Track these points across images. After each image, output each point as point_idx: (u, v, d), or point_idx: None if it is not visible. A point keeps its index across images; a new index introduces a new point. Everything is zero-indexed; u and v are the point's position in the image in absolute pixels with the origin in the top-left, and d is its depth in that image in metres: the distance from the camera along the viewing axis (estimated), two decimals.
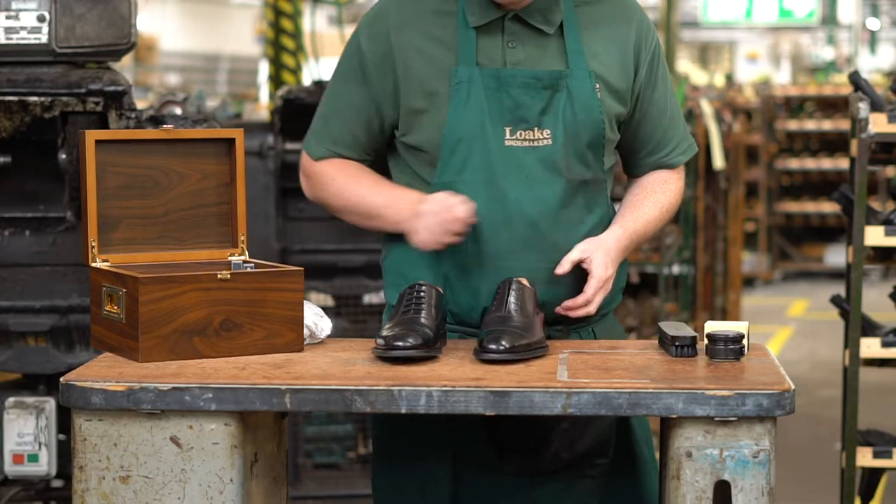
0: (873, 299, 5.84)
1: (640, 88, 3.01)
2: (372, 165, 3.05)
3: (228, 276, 2.79)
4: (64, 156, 3.91)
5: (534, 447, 2.94)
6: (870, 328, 4.31)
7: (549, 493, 2.96)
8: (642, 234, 3.02)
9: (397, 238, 3.00)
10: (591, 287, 2.89)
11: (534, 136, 2.93)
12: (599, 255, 2.91)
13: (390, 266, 3.06)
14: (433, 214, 2.88)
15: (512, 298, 2.81)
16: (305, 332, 2.87)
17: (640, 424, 3.04)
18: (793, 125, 13.90)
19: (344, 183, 3.01)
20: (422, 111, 2.94)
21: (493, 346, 2.71)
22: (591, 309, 2.91)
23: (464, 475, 2.97)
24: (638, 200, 3.05)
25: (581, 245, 2.91)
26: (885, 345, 4.27)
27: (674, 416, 2.54)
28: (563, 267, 2.89)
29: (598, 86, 2.94)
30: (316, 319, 2.90)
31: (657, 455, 3.06)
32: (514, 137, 2.93)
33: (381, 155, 3.06)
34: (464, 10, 2.94)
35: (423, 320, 2.77)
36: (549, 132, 2.93)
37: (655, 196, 3.07)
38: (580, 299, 2.89)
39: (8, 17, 3.89)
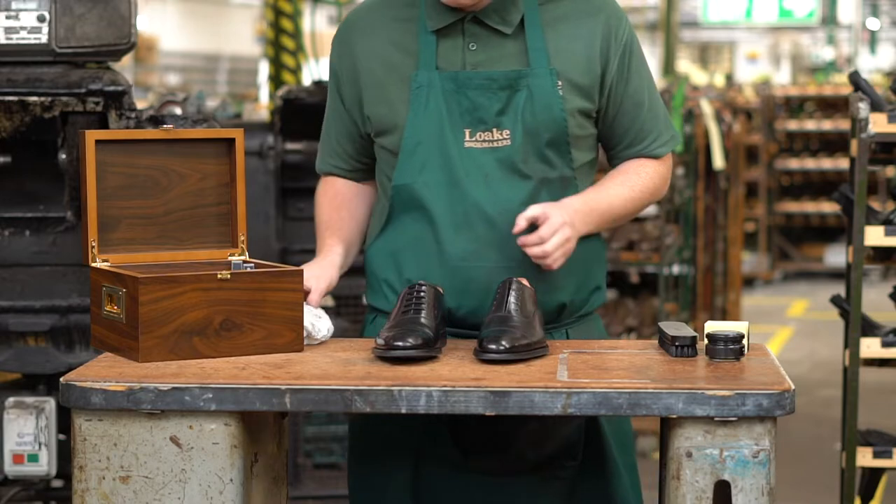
0: (873, 299, 5.84)
1: (613, 82, 2.99)
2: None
3: (228, 276, 2.79)
4: (64, 156, 3.91)
5: (499, 446, 2.94)
6: (870, 328, 4.31)
7: (516, 494, 2.96)
8: (606, 209, 2.98)
9: (375, 238, 3.04)
10: (544, 229, 2.83)
11: (492, 136, 2.94)
12: (556, 210, 2.86)
13: (367, 265, 3.11)
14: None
15: (512, 298, 2.81)
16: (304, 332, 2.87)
17: (613, 428, 3.02)
18: (793, 125, 13.90)
19: (318, 202, 3.16)
20: (385, 117, 2.98)
21: (493, 346, 2.71)
22: (549, 257, 2.84)
23: (429, 474, 2.97)
24: (606, 179, 3.04)
25: (538, 205, 2.87)
26: (885, 345, 4.27)
27: (674, 416, 2.54)
28: (519, 225, 2.85)
29: (559, 83, 2.94)
30: (314, 320, 2.90)
31: (635, 459, 3.07)
32: (473, 139, 2.94)
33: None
34: (424, 14, 2.96)
35: (423, 320, 2.77)
36: (507, 132, 2.94)
37: (626, 176, 3.04)
38: (533, 236, 2.84)
39: (8, 17, 3.89)
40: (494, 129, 2.94)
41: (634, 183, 3.03)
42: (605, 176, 3.08)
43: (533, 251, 2.84)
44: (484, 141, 2.94)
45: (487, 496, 2.96)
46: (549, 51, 2.95)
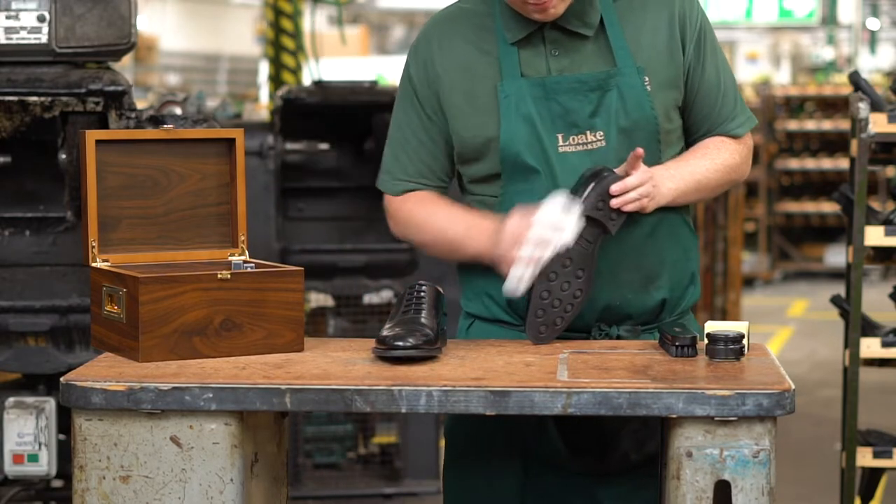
0: (873, 299, 5.84)
1: (690, 68, 2.98)
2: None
3: (228, 276, 2.79)
4: (64, 156, 3.91)
5: (603, 447, 2.94)
6: (870, 328, 4.31)
7: (617, 494, 2.97)
8: (689, 179, 2.95)
9: None
10: (635, 176, 2.83)
11: (587, 139, 2.92)
12: (644, 167, 2.87)
13: (463, 278, 3.07)
14: (505, 230, 2.84)
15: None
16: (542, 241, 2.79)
17: None
18: (793, 125, 13.90)
19: (423, 217, 3.01)
20: (475, 129, 2.94)
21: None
22: (633, 199, 2.84)
23: (533, 472, 2.97)
24: (688, 154, 3.01)
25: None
26: (885, 345, 4.27)
27: (674, 415, 2.54)
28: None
29: (647, 79, 2.92)
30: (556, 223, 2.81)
31: None
32: (567, 143, 2.92)
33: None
34: (501, 27, 2.95)
35: (423, 320, 2.77)
36: (601, 134, 2.92)
37: (707, 150, 3.01)
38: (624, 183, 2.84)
39: (8, 17, 3.89)
40: (588, 132, 2.92)
41: (715, 156, 3.00)
42: (688, 150, 3.04)
43: (624, 200, 2.84)
44: (578, 144, 2.92)
45: (587, 495, 2.96)
46: (632, 47, 2.94)
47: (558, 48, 2.94)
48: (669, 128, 2.98)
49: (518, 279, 2.81)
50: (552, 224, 2.80)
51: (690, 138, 3.06)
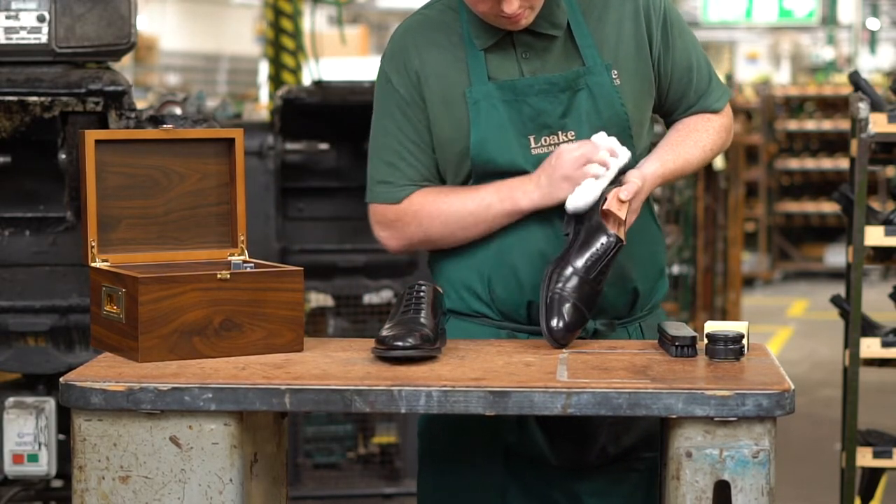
0: (873, 299, 5.84)
1: (660, 54, 3.00)
2: None
3: (228, 276, 2.79)
4: (64, 156, 3.91)
5: (581, 442, 2.95)
6: (870, 328, 4.31)
7: (597, 486, 2.97)
8: (679, 173, 3.02)
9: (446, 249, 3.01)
10: (627, 188, 2.86)
11: (558, 140, 2.93)
12: (635, 172, 2.90)
13: (438, 271, 3.06)
14: (568, 153, 2.86)
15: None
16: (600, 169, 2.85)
17: None
18: (793, 125, 13.91)
19: (434, 205, 2.96)
20: (452, 137, 2.94)
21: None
22: (623, 208, 2.85)
23: (514, 468, 2.97)
24: (680, 138, 3.04)
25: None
26: (885, 345, 4.27)
27: (674, 416, 2.54)
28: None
29: (615, 73, 2.94)
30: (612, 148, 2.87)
31: None
32: (538, 145, 2.93)
33: None
34: (470, 34, 2.95)
35: (422, 320, 2.77)
36: (573, 134, 2.93)
37: (697, 135, 3.05)
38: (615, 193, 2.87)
39: (8, 17, 3.89)
40: (560, 132, 2.93)
41: (705, 143, 3.04)
42: (674, 128, 3.07)
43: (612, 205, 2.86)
44: (550, 145, 2.92)
45: (567, 488, 2.97)
46: (597, 43, 2.95)
47: (528, 51, 2.95)
48: (641, 119, 3.00)
49: (588, 192, 2.83)
50: (610, 147, 2.86)
51: (672, 116, 3.09)
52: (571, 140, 2.92)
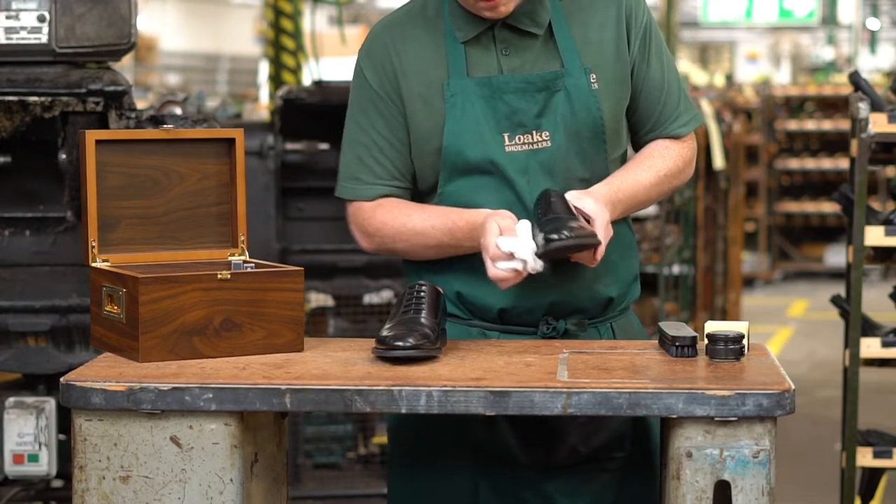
0: (873, 299, 5.84)
1: (635, 66, 3.00)
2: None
3: (228, 276, 2.79)
4: (64, 156, 3.91)
5: (551, 442, 2.95)
6: (870, 328, 4.31)
7: (566, 486, 2.97)
8: (632, 195, 2.97)
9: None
10: (597, 227, 2.82)
11: (532, 139, 2.93)
12: (589, 199, 2.87)
13: (408, 270, 3.06)
14: (484, 250, 2.83)
15: (554, 199, 2.82)
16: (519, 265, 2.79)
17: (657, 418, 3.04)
18: (793, 125, 13.91)
19: (401, 221, 2.97)
20: (428, 132, 2.94)
21: (555, 237, 2.73)
22: (600, 252, 2.83)
23: (484, 468, 2.97)
24: (632, 164, 3.03)
25: (569, 193, 2.87)
26: (885, 345, 4.28)
27: (674, 416, 2.54)
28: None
29: (593, 77, 2.94)
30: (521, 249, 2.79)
31: None
32: (512, 143, 2.93)
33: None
34: (451, 27, 2.95)
35: (422, 320, 2.77)
36: (547, 134, 2.93)
37: (652, 161, 3.03)
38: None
39: (8, 17, 3.89)
40: (534, 132, 2.93)
41: (659, 168, 3.02)
42: (630, 160, 3.07)
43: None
44: (524, 144, 2.93)
45: (538, 490, 2.97)
46: (579, 45, 2.95)
47: (509, 47, 2.95)
48: (616, 127, 2.99)
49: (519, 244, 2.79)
50: (514, 249, 2.79)
51: (637, 134, 3.08)
52: (546, 140, 2.92)
